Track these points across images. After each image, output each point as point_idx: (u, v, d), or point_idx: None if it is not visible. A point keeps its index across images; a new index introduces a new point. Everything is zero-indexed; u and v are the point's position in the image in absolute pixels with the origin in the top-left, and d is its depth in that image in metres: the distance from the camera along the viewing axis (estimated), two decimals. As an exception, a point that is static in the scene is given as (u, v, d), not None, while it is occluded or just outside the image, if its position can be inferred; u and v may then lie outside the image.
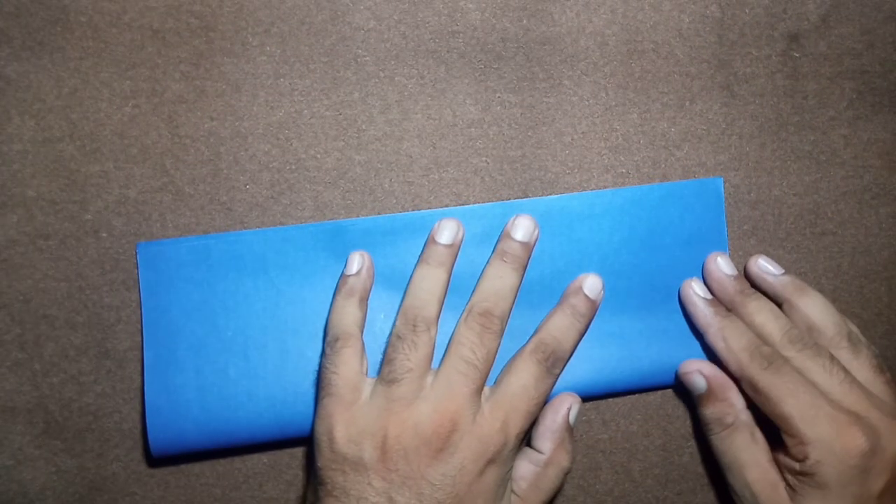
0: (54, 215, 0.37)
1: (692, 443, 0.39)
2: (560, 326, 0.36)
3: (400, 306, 0.36)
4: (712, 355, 0.38)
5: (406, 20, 0.39)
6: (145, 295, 0.36)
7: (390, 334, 0.35)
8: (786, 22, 0.41)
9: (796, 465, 0.34)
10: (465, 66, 0.39)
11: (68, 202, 0.37)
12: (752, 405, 0.36)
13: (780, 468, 0.35)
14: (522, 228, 0.37)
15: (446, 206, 0.39)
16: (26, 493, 0.37)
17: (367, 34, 0.39)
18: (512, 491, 0.34)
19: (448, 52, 0.39)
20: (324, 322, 0.37)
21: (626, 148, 0.40)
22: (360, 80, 0.39)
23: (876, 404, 0.34)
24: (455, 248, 0.37)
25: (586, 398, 0.38)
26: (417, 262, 0.37)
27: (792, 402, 0.34)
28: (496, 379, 0.35)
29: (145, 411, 0.36)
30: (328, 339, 0.35)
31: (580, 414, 0.38)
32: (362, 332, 0.36)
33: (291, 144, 0.38)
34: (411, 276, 0.36)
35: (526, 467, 0.35)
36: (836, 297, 0.41)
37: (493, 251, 0.37)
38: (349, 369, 0.34)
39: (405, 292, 0.36)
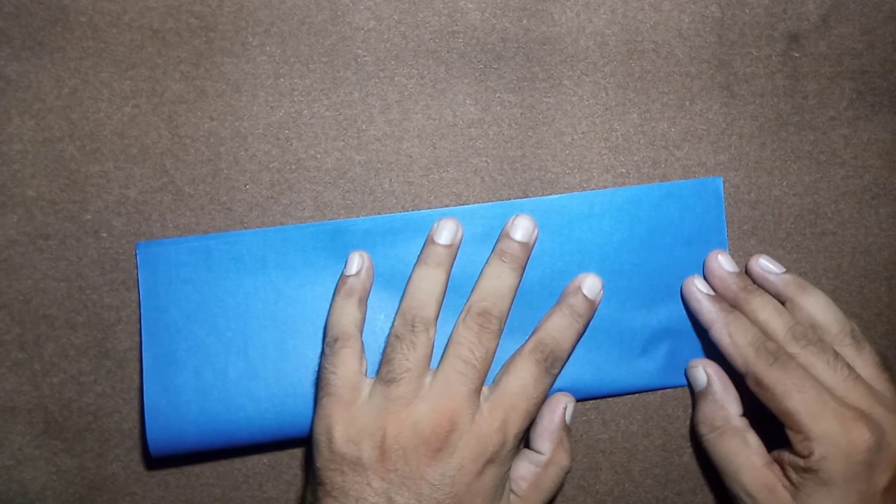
0: (54, 215, 0.37)
1: (692, 443, 0.39)
2: (559, 326, 0.36)
3: (399, 306, 0.36)
4: (712, 355, 0.38)
5: (406, 20, 0.39)
6: (145, 295, 0.36)
7: (389, 334, 0.35)
8: (786, 22, 0.41)
9: (801, 462, 0.34)
10: (465, 66, 0.39)
11: (68, 202, 0.37)
12: (755, 403, 0.36)
13: (784, 466, 0.35)
14: (522, 228, 0.37)
15: (446, 206, 0.39)
16: (26, 493, 0.37)
17: (367, 34, 0.39)
18: (512, 491, 0.34)
19: (448, 52, 0.39)
20: (323, 322, 0.37)
21: (626, 148, 0.40)
22: (360, 80, 0.39)
23: (880, 401, 0.34)
24: (454, 249, 0.37)
25: (586, 398, 0.38)
26: (416, 262, 0.37)
27: (798, 398, 0.34)
28: (495, 378, 0.35)
29: (145, 411, 0.36)
30: (327, 340, 0.35)
31: (575, 413, 0.38)
32: (362, 332, 0.36)
33: (291, 144, 0.38)
34: (410, 277, 0.36)
35: (526, 468, 0.35)
36: (836, 297, 0.41)
37: (493, 251, 0.37)
38: (348, 369, 0.34)
39: (404, 292, 0.36)
